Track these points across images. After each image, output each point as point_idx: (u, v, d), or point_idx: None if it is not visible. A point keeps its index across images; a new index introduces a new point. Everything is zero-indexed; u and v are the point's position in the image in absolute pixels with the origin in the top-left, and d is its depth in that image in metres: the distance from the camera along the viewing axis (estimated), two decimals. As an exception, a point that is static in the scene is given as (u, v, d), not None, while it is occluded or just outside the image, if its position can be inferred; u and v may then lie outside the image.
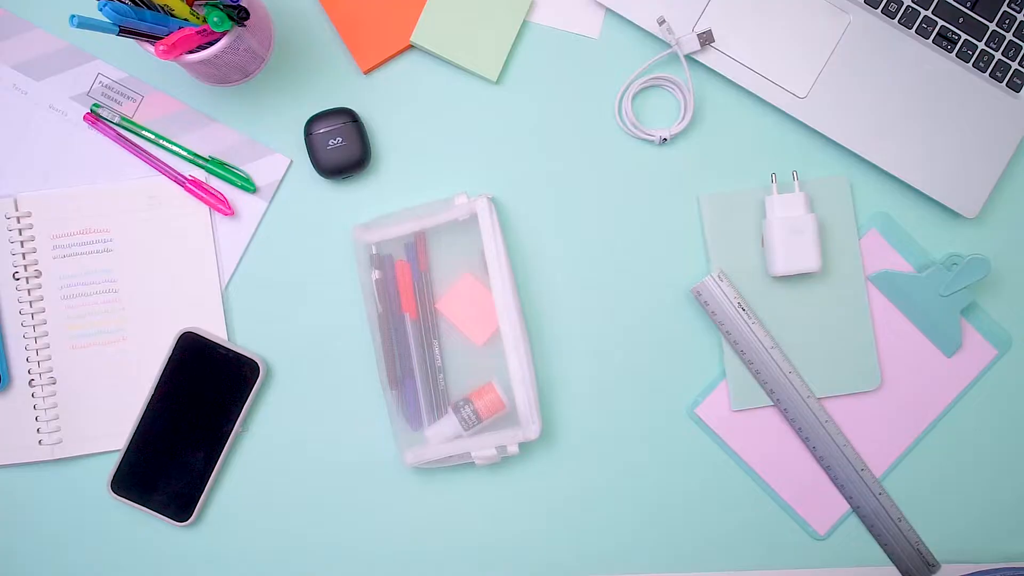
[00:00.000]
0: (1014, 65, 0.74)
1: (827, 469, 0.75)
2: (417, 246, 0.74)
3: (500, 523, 0.75)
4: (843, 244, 0.75)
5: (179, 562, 0.74)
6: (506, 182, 0.75)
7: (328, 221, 0.75)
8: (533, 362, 0.73)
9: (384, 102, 0.75)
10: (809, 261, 0.72)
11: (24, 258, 0.73)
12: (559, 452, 0.75)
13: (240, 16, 0.64)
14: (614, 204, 0.76)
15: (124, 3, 0.60)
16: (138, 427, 0.73)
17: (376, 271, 0.72)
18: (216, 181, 0.74)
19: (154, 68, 0.74)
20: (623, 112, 0.75)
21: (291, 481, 0.75)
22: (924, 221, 0.76)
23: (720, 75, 0.75)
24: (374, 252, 0.73)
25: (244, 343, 0.75)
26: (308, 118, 0.73)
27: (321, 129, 0.72)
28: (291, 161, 0.75)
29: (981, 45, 0.74)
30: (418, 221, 0.72)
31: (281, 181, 0.75)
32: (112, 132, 0.73)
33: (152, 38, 0.62)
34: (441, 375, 0.73)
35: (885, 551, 0.76)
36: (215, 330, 0.74)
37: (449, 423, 0.71)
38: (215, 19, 0.62)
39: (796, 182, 0.74)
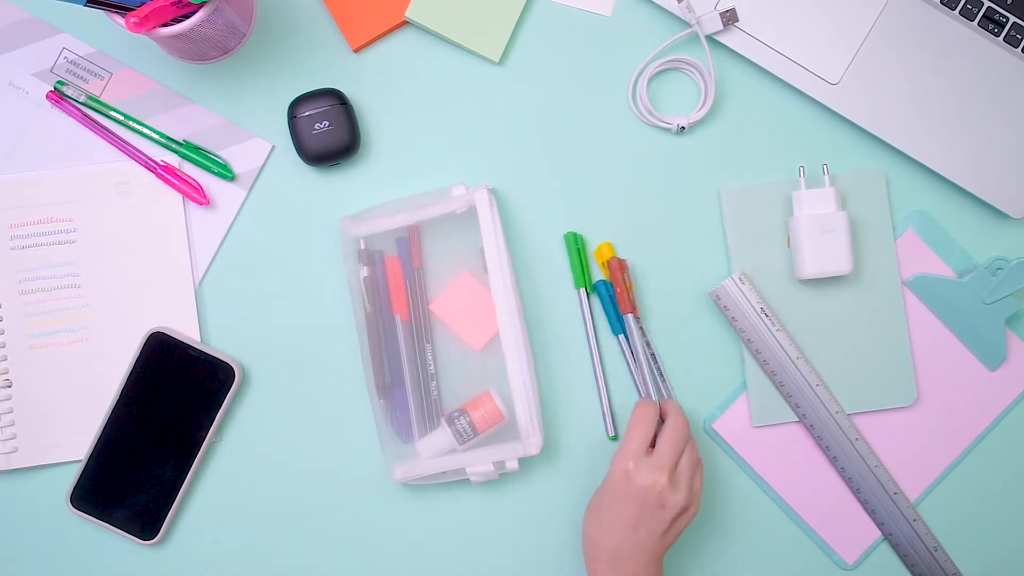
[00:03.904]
0: (1067, 51, 0.75)
1: (856, 492, 0.75)
2: (410, 241, 0.74)
3: (497, 546, 0.75)
4: (877, 245, 0.75)
5: (144, 584, 0.75)
6: (508, 172, 0.75)
7: (313, 212, 0.75)
8: (535, 370, 0.73)
9: (376, 83, 0.75)
10: (840, 263, 0.72)
11: (-21, 249, 0.73)
12: (562, 469, 0.75)
13: (218, -15, 0.65)
14: (626, 198, 0.76)
15: (89, -32, 0.61)
16: (101, 436, 0.73)
17: (364, 268, 0.72)
18: (190, 167, 0.74)
19: (124, 43, 0.74)
20: (637, 97, 0.75)
21: (268, 497, 0.75)
22: (966, 221, 0.77)
23: (744, 58, 0.75)
24: (363, 247, 0.73)
25: (219, 345, 0.74)
26: (292, 100, 0.73)
27: (306, 112, 0.72)
28: (273, 146, 0.75)
29: (1031, 28, 0.74)
30: (411, 214, 0.72)
31: (262, 168, 0.75)
32: (77, 112, 0.74)
33: (123, 9, 0.62)
34: (434, 383, 0.73)
35: (919, 583, 0.76)
36: (187, 330, 0.74)
37: (442, 436, 0.71)
38: (190, -12, 0.63)
39: (826, 176, 0.74)
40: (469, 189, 0.72)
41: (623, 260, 0.74)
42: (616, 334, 0.74)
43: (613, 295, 0.74)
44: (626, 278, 0.73)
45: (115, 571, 0.74)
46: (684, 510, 0.66)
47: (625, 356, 0.74)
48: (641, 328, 0.74)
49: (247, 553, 0.74)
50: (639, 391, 0.74)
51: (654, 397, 0.73)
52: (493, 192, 0.74)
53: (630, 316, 0.73)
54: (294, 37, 0.74)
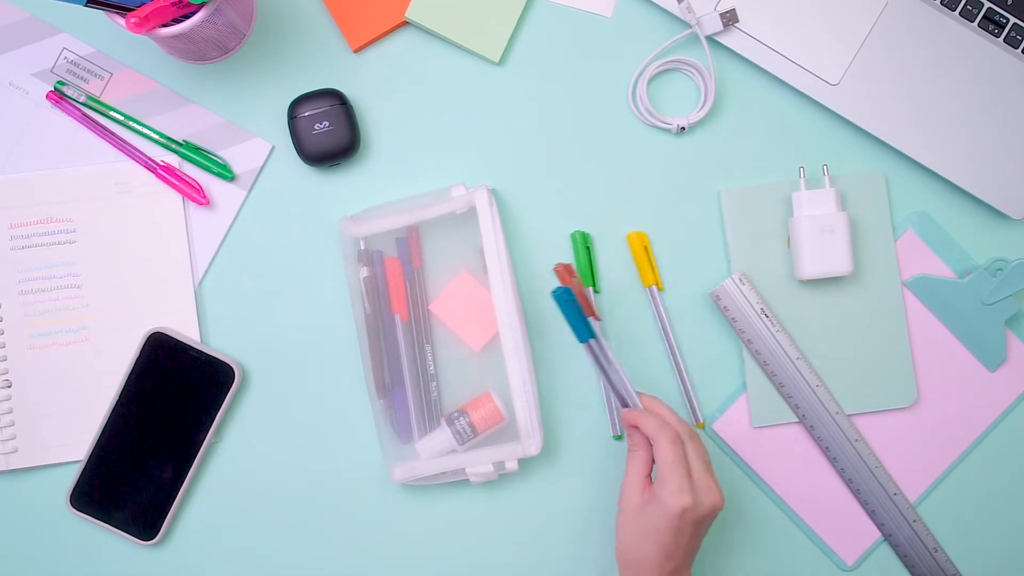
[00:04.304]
0: (1068, 51, 0.74)
1: (856, 493, 0.75)
2: (409, 241, 0.74)
3: (496, 546, 0.75)
4: (877, 245, 0.75)
5: (143, 585, 0.74)
6: (508, 172, 0.75)
7: (312, 213, 0.75)
8: (535, 371, 0.73)
9: (376, 84, 0.75)
10: (840, 264, 0.72)
11: (-21, 249, 0.73)
12: (562, 469, 0.75)
13: (218, -15, 0.65)
14: (626, 198, 0.76)
15: (90, -32, 0.61)
16: (101, 436, 0.73)
17: (364, 268, 0.72)
18: (190, 167, 0.74)
19: (125, 43, 0.74)
20: (637, 98, 0.75)
21: (268, 497, 0.75)
22: (966, 222, 0.76)
23: (744, 59, 0.75)
24: (362, 247, 0.73)
25: (218, 345, 0.74)
26: (292, 100, 0.73)
27: (306, 112, 0.72)
28: (273, 147, 0.75)
29: (1032, 29, 0.74)
30: (411, 214, 0.72)
31: (262, 168, 0.75)
32: (77, 112, 0.74)
33: (123, 9, 0.62)
34: (434, 383, 0.73)
35: (919, 584, 0.76)
36: (187, 330, 0.74)
37: (442, 436, 0.71)
38: (190, -12, 0.63)
39: (826, 177, 0.74)
40: (469, 189, 0.72)
41: (569, 264, 0.69)
42: (583, 341, 0.67)
43: (576, 302, 0.66)
44: (577, 281, 0.69)
45: (115, 571, 0.74)
46: (712, 511, 0.64)
47: (600, 362, 0.68)
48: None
49: (247, 553, 0.74)
50: (624, 399, 0.68)
51: (632, 400, 0.68)
52: (493, 192, 0.74)
53: (593, 320, 0.68)
54: (294, 37, 0.74)
